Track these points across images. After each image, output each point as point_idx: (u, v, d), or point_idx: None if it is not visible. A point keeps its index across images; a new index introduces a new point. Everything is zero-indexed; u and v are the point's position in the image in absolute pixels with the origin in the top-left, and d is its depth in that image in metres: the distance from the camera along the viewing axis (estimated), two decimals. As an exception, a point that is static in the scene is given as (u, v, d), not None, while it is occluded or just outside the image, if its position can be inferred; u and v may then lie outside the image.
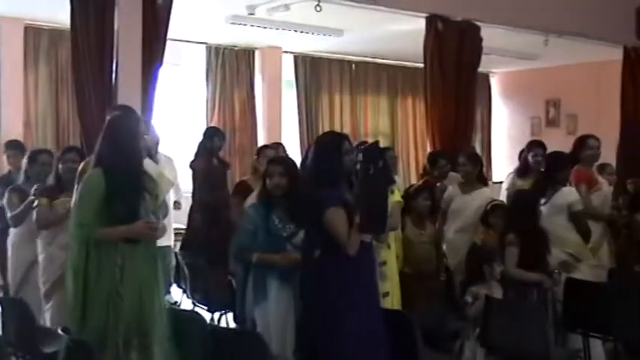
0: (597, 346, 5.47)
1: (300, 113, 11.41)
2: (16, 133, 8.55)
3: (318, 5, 7.47)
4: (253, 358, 3.77)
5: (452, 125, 8.23)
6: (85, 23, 6.13)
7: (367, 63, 12.22)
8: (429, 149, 8.17)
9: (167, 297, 5.57)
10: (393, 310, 4.67)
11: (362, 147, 4.66)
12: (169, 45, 6.55)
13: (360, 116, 12.23)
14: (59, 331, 3.66)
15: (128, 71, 6.23)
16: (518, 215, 5.40)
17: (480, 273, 5.16)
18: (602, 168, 7.11)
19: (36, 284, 5.22)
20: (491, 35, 8.53)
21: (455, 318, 5.38)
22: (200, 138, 7.64)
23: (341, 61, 11.91)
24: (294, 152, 9.62)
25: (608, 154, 7.66)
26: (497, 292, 5.09)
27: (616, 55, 10.28)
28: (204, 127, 9.70)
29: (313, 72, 11.56)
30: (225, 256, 6.05)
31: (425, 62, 8.24)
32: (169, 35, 6.53)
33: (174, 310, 4.44)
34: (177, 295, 6.91)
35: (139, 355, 3.86)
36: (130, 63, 6.24)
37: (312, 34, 9.36)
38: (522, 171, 7.08)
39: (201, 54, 10.51)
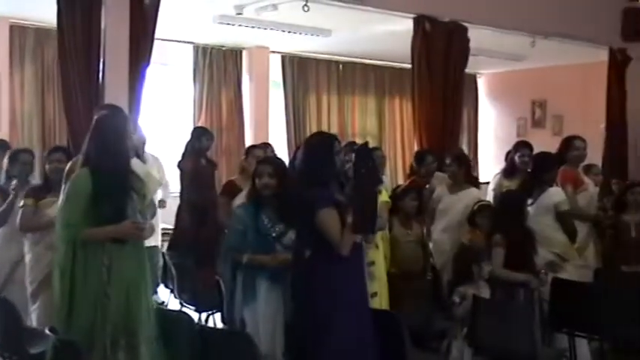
0: (583, 346, 5.51)
1: (287, 113, 11.40)
2: (2, 132, 8.52)
3: (305, 5, 7.47)
4: (242, 358, 3.76)
5: (439, 125, 8.25)
6: (72, 22, 6.09)
7: (355, 63, 12.23)
8: (416, 149, 8.18)
9: (154, 297, 5.56)
10: (381, 310, 4.69)
11: (355, 147, 4.69)
12: (156, 44, 6.53)
13: (348, 116, 12.24)
14: (46, 332, 3.64)
15: (115, 70, 6.21)
16: (506, 216, 5.43)
17: (467, 273, 5.18)
18: (588, 169, 7.15)
19: (22, 284, 5.19)
20: (479, 36, 8.56)
21: (442, 318, 5.40)
22: (188, 138, 7.62)
23: (328, 62, 11.92)
24: (282, 152, 9.63)
25: (594, 155, 7.70)
26: (485, 292, 5.11)
27: (602, 56, 10.34)
28: (191, 127, 9.69)
29: (301, 72, 11.55)
30: (212, 257, 6.03)
31: (412, 63, 8.25)
32: (156, 35, 6.50)
33: (162, 310, 4.42)
34: (164, 295, 6.89)
35: (127, 355, 3.85)
36: (117, 62, 6.22)
37: (300, 34, 9.35)
38: (509, 171, 7.10)
39: (188, 53, 10.48)
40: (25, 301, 5.06)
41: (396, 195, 5.97)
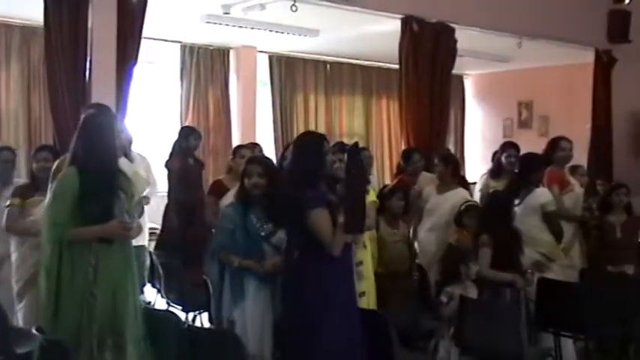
0: (568, 345, 5.54)
1: (274, 113, 11.38)
2: (-13, 131, 8.48)
3: (293, 5, 7.47)
4: (229, 358, 3.76)
5: (426, 126, 8.27)
6: (59, 20, 6.07)
7: (342, 63, 12.23)
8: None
9: (141, 297, 5.54)
10: (368, 310, 4.68)
11: (346, 147, 4.70)
12: (143, 43, 6.51)
13: (335, 116, 12.24)
14: (33, 331, 3.63)
15: (102, 69, 6.19)
16: (493, 216, 5.45)
17: (455, 273, 5.21)
18: (574, 169, 7.18)
19: (8, 283, 5.18)
20: (466, 37, 8.58)
21: (430, 317, 5.43)
22: (175, 137, 7.61)
23: (316, 62, 11.91)
24: (269, 152, 9.61)
25: (579, 156, 7.74)
26: (473, 292, 5.14)
27: (588, 58, 10.40)
28: (178, 127, 9.67)
29: (288, 72, 11.54)
30: (200, 256, 6.03)
31: (400, 63, 8.27)
32: (144, 33, 6.48)
33: (149, 309, 4.41)
34: (151, 295, 6.87)
35: (114, 355, 3.84)
36: (104, 61, 6.20)
37: (288, 34, 9.35)
38: (496, 172, 7.14)
39: (175, 53, 10.46)
40: (11, 301, 5.04)
41: (383, 195, 5.98)
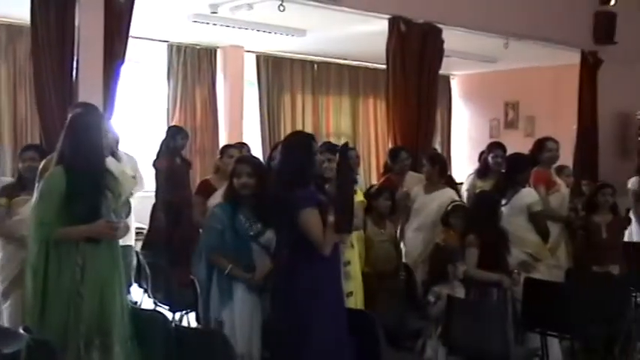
0: (554, 345, 5.57)
1: (261, 113, 11.38)
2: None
3: (281, 5, 7.48)
4: (217, 358, 3.76)
5: (413, 126, 8.29)
6: (46, 19, 6.04)
7: (329, 63, 12.24)
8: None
9: (128, 297, 5.52)
10: (356, 310, 4.69)
11: (337, 148, 4.72)
12: (130, 42, 6.49)
13: (322, 116, 12.25)
14: (20, 331, 3.61)
15: (89, 68, 6.17)
16: (479, 216, 5.47)
17: (443, 273, 5.22)
18: (560, 170, 7.21)
19: (-7, 282, 5.15)
20: (453, 38, 8.61)
21: (417, 317, 5.44)
22: (162, 137, 7.59)
23: (303, 61, 11.92)
24: (256, 152, 9.60)
25: (565, 156, 7.78)
26: (460, 292, 5.16)
27: (574, 59, 10.46)
28: (165, 126, 9.65)
29: (275, 72, 11.54)
30: (187, 256, 6.01)
31: (387, 63, 8.28)
32: (130, 32, 6.46)
33: (136, 309, 4.40)
34: (137, 295, 6.85)
35: (101, 355, 3.83)
36: (91, 60, 6.18)
37: (275, 33, 9.35)
38: (482, 172, 7.17)
39: (162, 52, 10.43)
40: (-4, 300, 5.02)
41: (370, 195, 5.99)
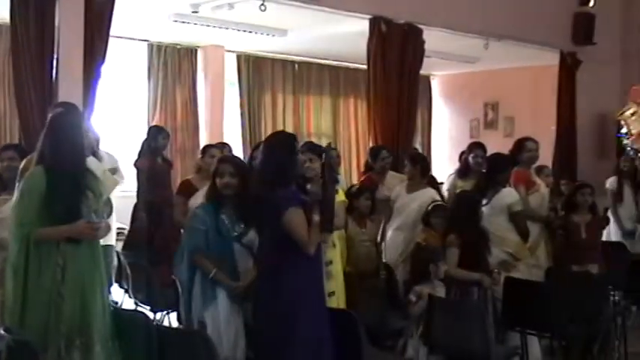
0: (534, 344, 5.61)
1: (242, 113, 11.34)
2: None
3: (262, 5, 7.48)
4: (199, 358, 3.75)
5: (394, 126, 8.33)
6: (25, 17, 6.01)
7: (310, 63, 12.23)
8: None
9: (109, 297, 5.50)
10: (338, 310, 4.70)
11: (321, 148, 4.74)
12: (110, 41, 6.46)
13: (303, 116, 12.23)
14: (0, 331, 3.59)
15: (69, 67, 6.15)
16: (460, 216, 5.50)
17: (424, 272, 5.25)
18: (540, 170, 7.25)
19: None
20: (433, 38, 8.65)
21: (398, 316, 5.46)
22: (143, 136, 7.56)
23: (284, 61, 11.89)
24: (237, 152, 9.59)
25: (544, 157, 7.83)
26: (441, 292, 5.18)
27: (553, 59, 10.54)
28: (145, 125, 9.61)
29: (256, 71, 11.51)
30: (168, 256, 6.00)
31: (368, 63, 8.32)
32: (111, 32, 6.44)
33: (117, 309, 4.38)
34: (118, 295, 6.82)
35: (82, 355, 3.81)
36: (71, 59, 6.16)
37: (256, 33, 9.34)
38: (463, 172, 7.21)
39: (142, 51, 10.38)
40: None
41: (351, 194, 6.01)
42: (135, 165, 7.42)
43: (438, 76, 13.90)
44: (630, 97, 9.93)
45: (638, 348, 6.40)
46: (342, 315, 4.39)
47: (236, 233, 4.34)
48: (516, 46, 9.97)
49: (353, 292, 5.31)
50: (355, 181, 10.24)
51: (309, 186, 4.40)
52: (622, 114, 9.95)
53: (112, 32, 6.45)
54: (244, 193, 4.34)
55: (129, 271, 6.25)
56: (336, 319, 4.23)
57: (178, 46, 10.61)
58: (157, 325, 4.93)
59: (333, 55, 11.87)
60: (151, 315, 5.67)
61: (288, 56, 11.78)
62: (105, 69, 6.41)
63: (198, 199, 5.14)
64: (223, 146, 6.98)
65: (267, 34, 9.43)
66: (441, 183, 7.72)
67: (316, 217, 4.05)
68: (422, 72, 8.98)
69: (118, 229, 7.33)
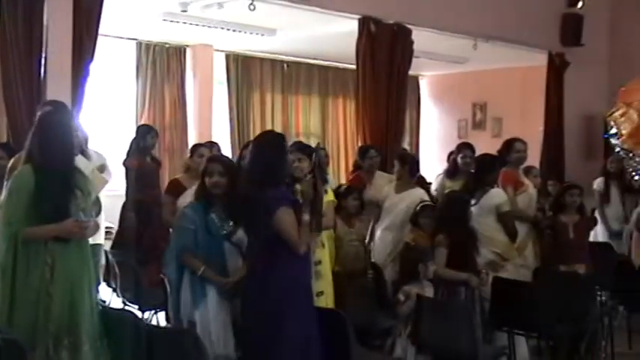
0: (522, 343, 5.64)
1: (231, 112, 11.34)
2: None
3: (251, 4, 7.47)
4: (188, 357, 3.75)
5: (382, 126, 8.34)
6: (14, 15, 5.97)
7: (299, 63, 12.23)
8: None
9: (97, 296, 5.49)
10: (326, 309, 4.70)
11: (312, 148, 4.75)
12: (99, 40, 6.45)
13: (292, 116, 12.23)
14: (-11, 330, 3.59)
15: (58, 66, 6.12)
16: (449, 216, 5.51)
17: (413, 272, 5.26)
18: (528, 170, 7.28)
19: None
20: (422, 38, 8.67)
21: (386, 316, 5.47)
22: (131, 135, 7.54)
23: (273, 61, 11.89)
24: (225, 151, 9.58)
25: (532, 157, 7.85)
26: (429, 292, 5.20)
27: (541, 60, 10.58)
28: (134, 124, 9.59)
29: (245, 71, 11.50)
30: (157, 255, 5.99)
31: (357, 63, 8.32)
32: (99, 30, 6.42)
33: (106, 309, 4.37)
34: (106, 294, 6.81)
35: (70, 354, 3.80)
36: (59, 57, 6.12)
37: (245, 32, 9.33)
38: (451, 172, 7.23)
39: (131, 50, 10.36)
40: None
41: (339, 194, 6.02)
42: (124, 164, 7.40)
43: (427, 77, 13.93)
44: (619, 98, 9.97)
45: (625, 348, 6.46)
46: (330, 314, 4.40)
47: (225, 232, 4.34)
48: (505, 47, 10.00)
49: (342, 292, 5.32)
50: (343, 181, 10.25)
51: (297, 186, 4.41)
52: (611, 114, 10.00)
53: (100, 31, 6.41)
54: (233, 192, 4.34)
55: (117, 270, 6.23)
56: (324, 318, 4.24)
57: (167, 45, 10.60)
58: (146, 324, 4.92)
59: (322, 55, 11.88)
60: (139, 314, 5.68)
61: (277, 56, 11.78)
62: (93, 67, 6.38)
63: (187, 198, 5.14)
64: (212, 145, 6.98)
65: (256, 34, 9.42)
66: (430, 183, 7.74)
67: (306, 217, 4.07)
68: (410, 72, 8.98)
69: (107, 228, 7.32)
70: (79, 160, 4.31)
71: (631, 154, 9.02)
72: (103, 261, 6.55)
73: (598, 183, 8.91)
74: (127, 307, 5.91)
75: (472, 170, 6.58)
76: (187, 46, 10.76)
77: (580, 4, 10.41)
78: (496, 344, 5.47)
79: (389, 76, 8.38)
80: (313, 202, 4.13)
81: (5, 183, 4.07)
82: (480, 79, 12.70)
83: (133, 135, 7.54)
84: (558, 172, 10.19)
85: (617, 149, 9.72)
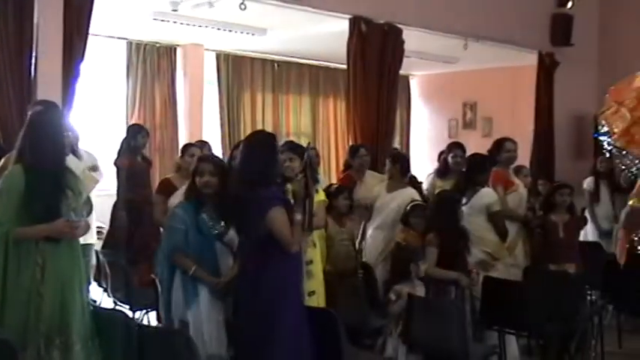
0: (512, 342, 5.66)
1: (221, 112, 11.32)
2: None
3: (242, 4, 7.47)
4: (179, 357, 3.75)
5: (373, 125, 8.34)
6: (4, 14, 5.93)
7: (290, 62, 12.23)
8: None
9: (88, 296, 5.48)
10: (318, 309, 4.71)
11: (304, 148, 4.76)
12: (89, 39, 6.43)
13: (282, 115, 12.22)
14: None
15: (48, 65, 6.09)
16: (440, 215, 5.53)
17: (404, 272, 5.27)
18: (519, 170, 7.30)
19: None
20: (413, 38, 8.68)
21: (377, 315, 5.48)
22: (122, 134, 7.52)
23: (263, 60, 11.88)
24: (216, 151, 9.57)
25: (522, 157, 7.88)
26: (420, 291, 5.21)
27: (531, 60, 10.61)
28: (124, 124, 9.57)
29: (235, 70, 11.49)
30: (148, 255, 5.98)
31: (348, 63, 8.32)
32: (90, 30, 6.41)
33: (98, 308, 4.37)
34: (97, 294, 6.80)
35: (61, 354, 3.80)
36: (50, 56, 6.10)
37: (236, 32, 9.32)
38: (442, 172, 7.24)
39: (121, 49, 10.33)
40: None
41: (330, 194, 6.02)
42: (114, 163, 7.38)
43: (417, 76, 13.95)
44: (611, 97, 10.00)
45: (615, 347, 6.49)
46: (321, 314, 4.41)
47: (217, 232, 4.34)
48: (495, 47, 10.02)
49: (333, 291, 5.33)
50: (334, 180, 10.25)
51: (288, 185, 4.42)
52: (602, 113, 10.03)
53: (91, 30, 6.40)
54: (224, 192, 4.34)
55: (108, 270, 6.22)
56: (316, 317, 4.25)
57: (158, 45, 10.57)
58: (137, 323, 4.91)
59: (313, 55, 11.87)
60: (130, 314, 5.67)
61: (268, 55, 11.76)
62: (84, 67, 6.36)
63: (177, 198, 5.14)
64: (203, 144, 6.98)
65: (247, 33, 9.41)
66: (421, 183, 7.76)
67: (298, 217, 4.08)
68: (401, 72, 8.99)
69: (98, 227, 7.30)
70: (70, 160, 4.31)
71: (624, 152, 9.03)
72: (93, 261, 6.54)
73: (588, 182, 8.95)
74: (117, 307, 5.90)
75: (463, 170, 6.60)
76: (178, 45, 10.74)
77: (570, 4, 10.45)
78: (486, 343, 5.49)
79: (379, 76, 8.39)
80: (304, 201, 4.13)
81: (-4, 183, 4.06)
82: (471, 78, 12.72)
83: (124, 134, 7.53)
84: (548, 172, 10.23)
85: (610, 147, 9.74)
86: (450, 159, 7.10)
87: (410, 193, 6.36)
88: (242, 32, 9.34)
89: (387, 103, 8.51)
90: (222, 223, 4.35)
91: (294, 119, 12.43)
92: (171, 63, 10.74)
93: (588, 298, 6.44)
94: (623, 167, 8.72)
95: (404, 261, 5.33)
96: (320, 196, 5.25)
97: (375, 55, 8.30)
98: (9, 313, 3.76)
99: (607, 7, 11.44)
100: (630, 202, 6.26)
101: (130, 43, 10.33)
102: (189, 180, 4.66)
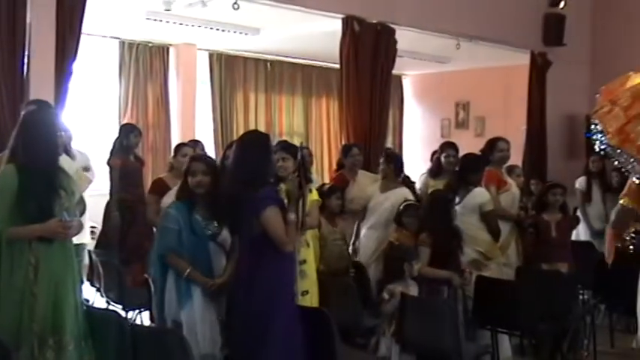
0: (505, 342, 5.67)
1: (214, 111, 11.32)
2: None
3: (235, 3, 7.46)
4: (173, 357, 3.75)
5: (366, 125, 8.34)
6: (-5, 13, 5.94)
7: (283, 62, 12.22)
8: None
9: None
10: (311, 308, 4.71)
11: (299, 147, 4.77)
12: (82, 39, 6.42)
13: (275, 115, 12.22)
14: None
15: (40, 64, 6.07)
16: (433, 215, 5.54)
17: (398, 271, 5.28)
18: (511, 170, 7.32)
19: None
20: (405, 38, 8.68)
21: (370, 315, 5.48)
22: (114, 134, 7.51)
23: (256, 60, 11.87)
24: (209, 151, 9.56)
25: (514, 156, 7.88)
26: (414, 290, 5.22)
27: (523, 60, 10.61)
28: (116, 123, 9.55)
29: (228, 70, 11.48)
30: (141, 255, 5.98)
31: (341, 63, 8.31)
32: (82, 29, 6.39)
33: (91, 308, 4.36)
34: (89, 293, 6.79)
35: (55, 354, 3.80)
36: (42, 56, 6.08)
37: (228, 31, 9.32)
38: (435, 171, 7.24)
39: (114, 49, 10.31)
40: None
41: (322, 193, 6.03)
42: (107, 163, 7.37)
43: (410, 76, 13.95)
44: (602, 97, 10.03)
45: (607, 346, 6.51)
46: (315, 313, 4.42)
47: (210, 232, 4.33)
48: (487, 47, 10.03)
49: (326, 291, 5.33)
50: (327, 180, 10.26)
51: (282, 185, 4.42)
52: (595, 112, 10.05)
53: (83, 29, 6.38)
54: (216, 192, 4.34)
55: (101, 270, 6.22)
56: (309, 317, 4.25)
57: (150, 44, 10.56)
58: (131, 323, 4.91)
59: (306, 55, 11.87)
60: (123, 314, 5.66)
61: (261, 55, 11.76)
62: (76, 66, 6.35)
63: (170, 197, 5.14)
64: (196, 144, 6.98)
65: (240, 33, 9.41)
66: (414, 182, 7.77)
67: (293, 216, 4.08)
68: (394, 71, 8.99)
69: (91, 227, 7.29)
70: (63, 160, 4.30)
71: (619, 151, 9.04)
72: (86, 261, 6.53)
73: (580, 182, 8.97)
74: (110, 307, 5.90)
75: (456, 169, 6.61)
76: (170, 45, 10.73)
77: (562, 4, 10.46)
78: (479, 342, 5.51)
79: (372, 76, 8.39)
80: (298, 201, 4.14)
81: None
82: (463, 78, 12.73)
83: (116, 134, 7.51)
84: (541, 172, 10.24)
85: (604, 146, 9.76)
86: (442, 159, 7.10)
87: (403, 192, 6.37)
88: (235, 32, 9.35)
89: (380, 102, 8.50)
90: (215, 223, 4.35)
91: (286, 119, 12.43)
92: (163, 62, 10.74)
93: (580, 297, 6.45)
94: (619, 165, 8.74)
95: (397, 260, 5.34)
96: (313, 196, 5.25)
97: (368, 54, 8.30)
98: (2, 313, 3.76)
99: (599, 7, 11.46)
100: (621, 202, 6.28)
101: (122, 43, 10.33)
102: (181, 180, 4.66)
